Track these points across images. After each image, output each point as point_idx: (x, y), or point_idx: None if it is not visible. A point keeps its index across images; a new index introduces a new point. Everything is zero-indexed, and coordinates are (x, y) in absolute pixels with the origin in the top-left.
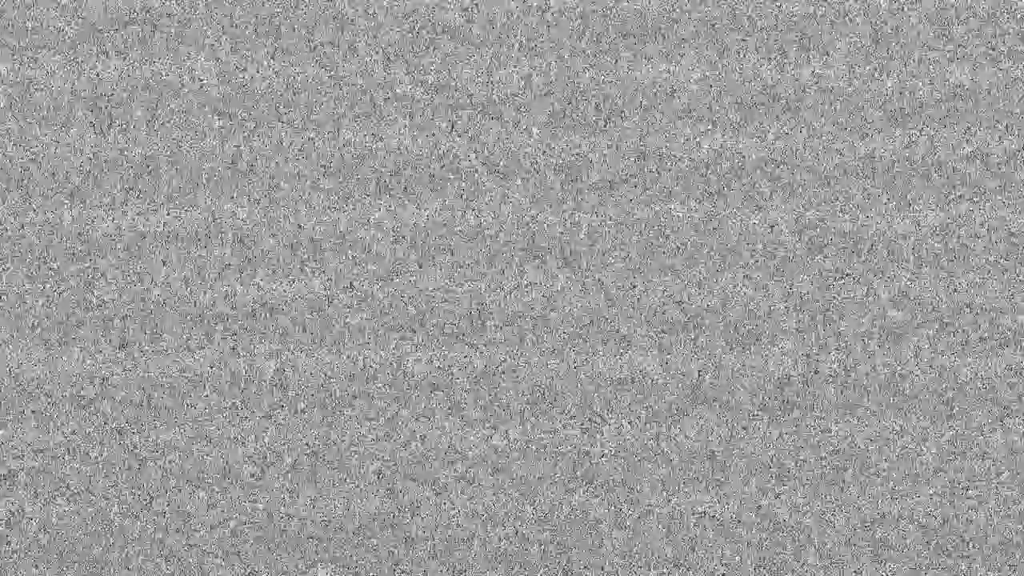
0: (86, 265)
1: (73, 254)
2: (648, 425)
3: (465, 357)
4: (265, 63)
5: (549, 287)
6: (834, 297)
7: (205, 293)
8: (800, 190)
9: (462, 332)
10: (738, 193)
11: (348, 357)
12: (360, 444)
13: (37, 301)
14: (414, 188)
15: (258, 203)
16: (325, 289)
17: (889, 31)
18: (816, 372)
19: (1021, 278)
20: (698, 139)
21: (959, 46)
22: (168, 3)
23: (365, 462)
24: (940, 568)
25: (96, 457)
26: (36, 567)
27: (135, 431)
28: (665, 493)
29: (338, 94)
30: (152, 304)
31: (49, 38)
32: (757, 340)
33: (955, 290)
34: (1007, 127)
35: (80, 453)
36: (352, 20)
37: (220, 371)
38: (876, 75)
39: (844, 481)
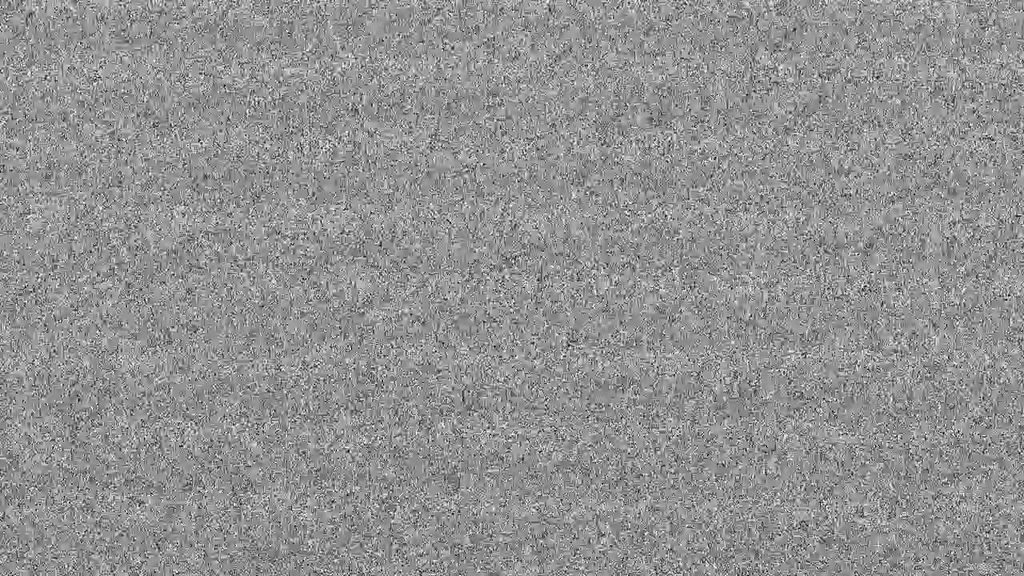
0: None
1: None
2: (651, 424)
3: (466, 358)
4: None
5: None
6: (838, 298)
7: (206, 296)
8: (799, 190)
9: (465, 334)
10: (738, 193)
11: (350, 359)
12: (365, 446)
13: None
14: (415, 186)
15: (257, 205)
16: (326, 289)
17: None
18: (826, 372)
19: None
20: (698, 139)
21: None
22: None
23: (369, 461)
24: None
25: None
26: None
27: (135, 429)
28: (668, 490)
29: (337, 93)
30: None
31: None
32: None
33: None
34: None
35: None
36: (352, 18)
37: (223, 372)
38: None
39: (849, 483)
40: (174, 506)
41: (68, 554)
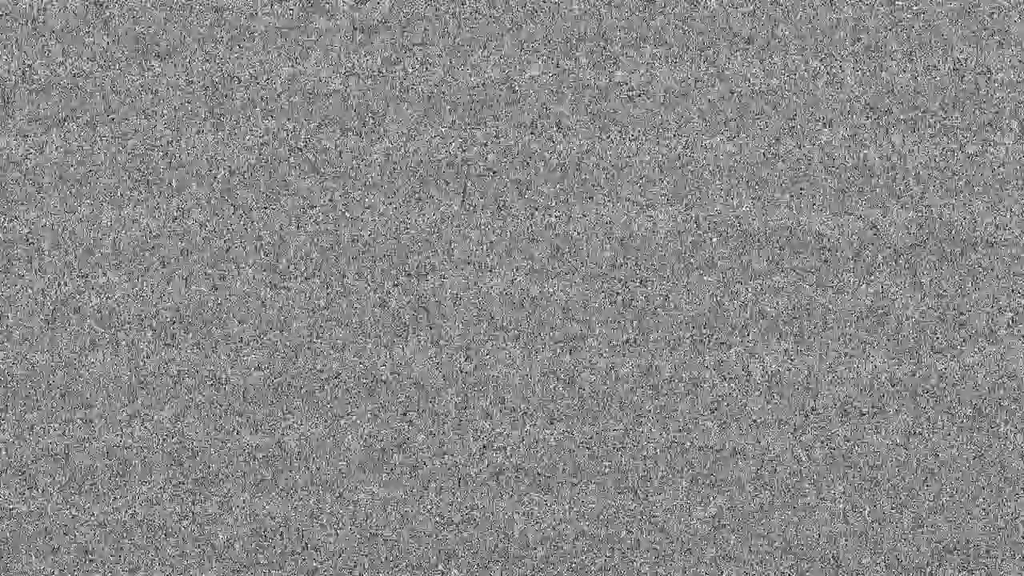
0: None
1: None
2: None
3: (469, 358)
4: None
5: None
6: (831, 298)
7: (190, 294)
8: (793, 191)
9: (469, 335)
10: (729, 193)
11: (353, 359)
12: (371, 446)
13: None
14: (417, 190)
15: (254, 207)
16: (326, 291)
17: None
18: (814, 374)
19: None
20: (694, 142)
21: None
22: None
23: (375, 464)
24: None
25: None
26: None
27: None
28: (665, 494)
29: (343, 94)
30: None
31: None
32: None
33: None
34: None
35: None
36: (352, 16)
37: (222, 373)
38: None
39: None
40: (182, 505)
41: (70, 551)
